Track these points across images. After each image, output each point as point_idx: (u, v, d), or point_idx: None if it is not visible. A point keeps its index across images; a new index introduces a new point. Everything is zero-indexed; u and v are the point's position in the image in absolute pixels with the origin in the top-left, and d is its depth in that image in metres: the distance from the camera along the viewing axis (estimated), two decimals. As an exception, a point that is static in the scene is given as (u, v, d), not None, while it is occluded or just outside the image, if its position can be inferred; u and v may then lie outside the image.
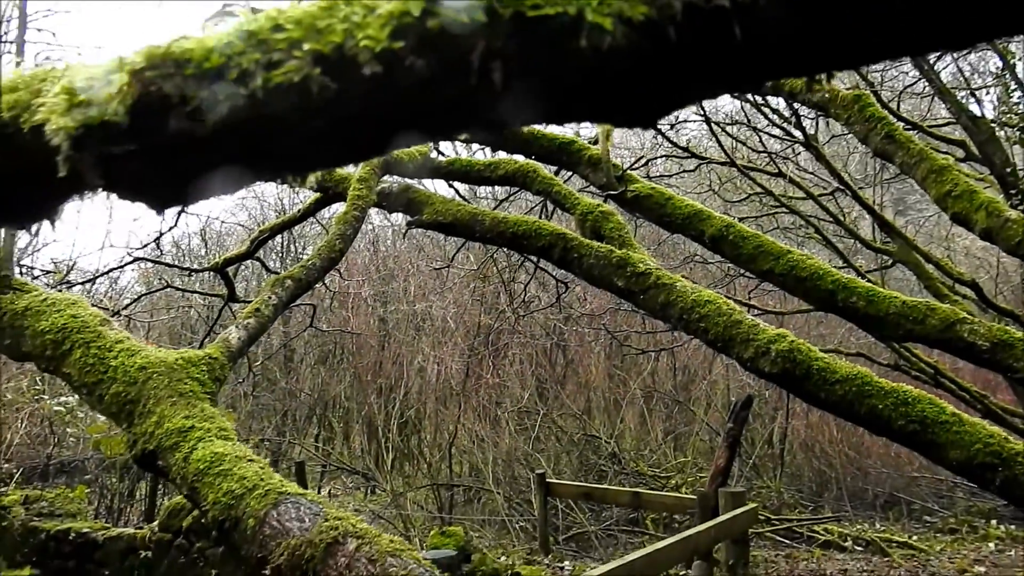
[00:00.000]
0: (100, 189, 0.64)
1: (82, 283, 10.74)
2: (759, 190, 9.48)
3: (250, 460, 1.93)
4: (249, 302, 3.57)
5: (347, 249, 4.03)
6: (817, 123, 9.37)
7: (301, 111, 0.55)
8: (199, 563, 7.34)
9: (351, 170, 5.24)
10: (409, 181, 5.46)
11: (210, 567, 7.26)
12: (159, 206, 0.65)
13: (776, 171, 9.19)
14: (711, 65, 0.48)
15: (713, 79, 0.51)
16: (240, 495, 1.82)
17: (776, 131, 9.38)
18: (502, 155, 6.11)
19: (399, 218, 14.70)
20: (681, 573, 7.43)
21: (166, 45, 0.56)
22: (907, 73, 9.41)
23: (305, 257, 4.74)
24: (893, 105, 8.08)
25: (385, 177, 5.01)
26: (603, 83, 0.50)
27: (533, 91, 0.51)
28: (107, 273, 10.65)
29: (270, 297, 3.20)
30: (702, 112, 8.69)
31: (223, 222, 18.30)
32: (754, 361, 3.16)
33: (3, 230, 2.74)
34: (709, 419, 13.91)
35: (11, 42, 7.97)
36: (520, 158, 5.71)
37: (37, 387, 12.25)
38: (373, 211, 12.98)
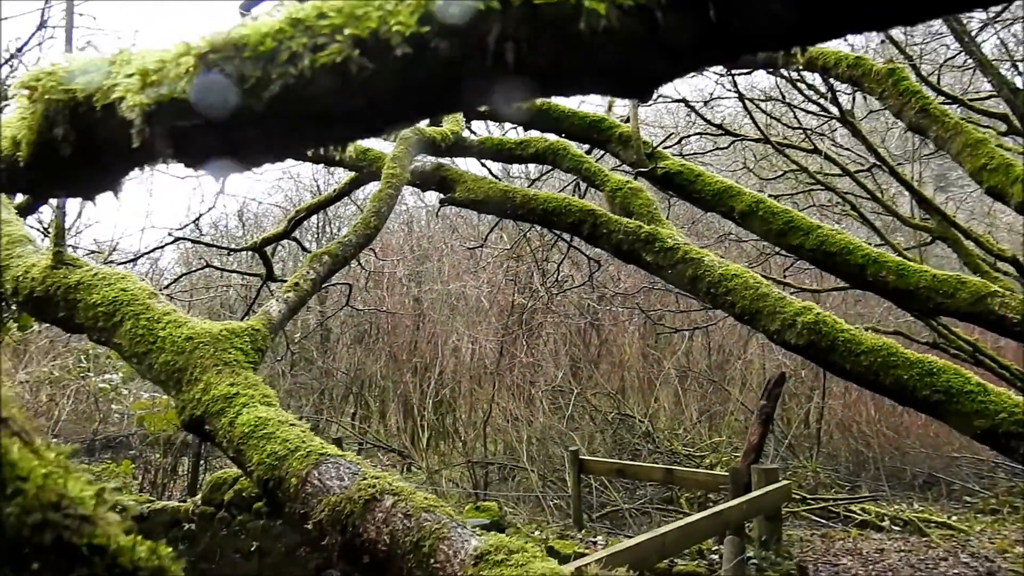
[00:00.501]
0: (166, 159, 0.73)
1: (124, 263, 10.99)
2: (794, 167, 9.36)
3: (292, 424, 2.04)
4: (286, 281, 3.69)
5: (382, 226, 4.12)
6: (854, 98, 9.20)
7: (342, 88, 0.64)
8: (240, 535, 7.56)
9: (385, 149, 5.33)
10: (441, 160, 5.54)
11: (251, 539, 7.48)
12: (219, 173, 0.74)
13: (812, 148, 9.07)
14: (694, 42, 0.55)
15: (696, 54, 0.58)
16: (283, 456, 1.93)
17: (812, 107, 9.24)
18: (534, 133, 6.15)
19: (432, 199, 14.81)
20: (713, 548, 7.49)
21: (227, 32, 0.66)
22: (948, 46, 9.19)
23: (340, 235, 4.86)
24: (933, 79, 7.93)
25: (418, 156, 5.09)
26: (601, 61, 0.58)
27: (540, 69, 0.59)
28: (148, 253, 10.90)
29: (308, 272, 3.32)
30: (736, 89, 8.61)
31: (260, 203, 18.52)
32: (780, 334, 3.20)
33: (54, 207, 2.87)
34: (744, 399, 13.87)
35: (56, 26, 8.19)
36: (551, 136, 5.74)
37: (83, 365, 12.57)
38: (407, 192, 13.08)
